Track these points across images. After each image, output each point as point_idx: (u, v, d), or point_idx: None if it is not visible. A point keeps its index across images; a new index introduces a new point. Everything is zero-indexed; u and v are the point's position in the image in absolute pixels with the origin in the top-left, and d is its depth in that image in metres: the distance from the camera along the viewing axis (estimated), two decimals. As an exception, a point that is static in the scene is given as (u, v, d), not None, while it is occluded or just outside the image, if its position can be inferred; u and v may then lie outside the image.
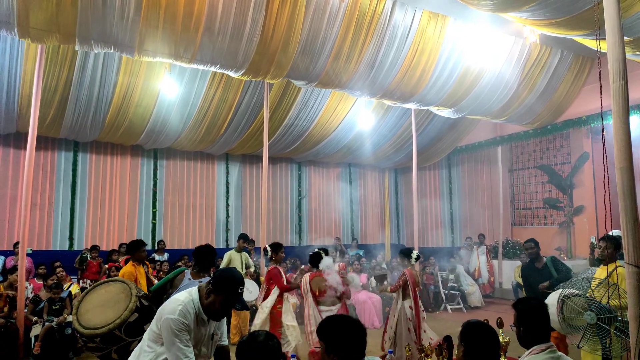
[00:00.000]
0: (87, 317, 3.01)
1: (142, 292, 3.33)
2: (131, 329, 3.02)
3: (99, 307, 3.07)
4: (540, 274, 5.57)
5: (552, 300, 3.44)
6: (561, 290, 3.46)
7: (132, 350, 2.59)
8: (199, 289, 2.47)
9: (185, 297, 2.44)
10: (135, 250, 5.28)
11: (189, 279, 3.71)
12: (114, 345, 3.02)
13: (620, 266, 3.42)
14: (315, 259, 5.26)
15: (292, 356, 3.02)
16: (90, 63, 7.51)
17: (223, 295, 2.40)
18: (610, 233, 3.86)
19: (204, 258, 3.85)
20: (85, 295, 3.17)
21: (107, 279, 3.50)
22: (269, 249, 5.87)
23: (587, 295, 3.24)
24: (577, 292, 3.24)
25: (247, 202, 11.69)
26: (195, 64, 6.20)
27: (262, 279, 8.29)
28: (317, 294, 5.07)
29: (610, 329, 3.01)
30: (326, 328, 2.22)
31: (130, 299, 3.08)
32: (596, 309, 3.02)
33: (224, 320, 2.72)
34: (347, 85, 7.38)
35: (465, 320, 2.40)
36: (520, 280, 7.98)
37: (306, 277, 5.25)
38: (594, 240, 6.84)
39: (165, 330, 2.34)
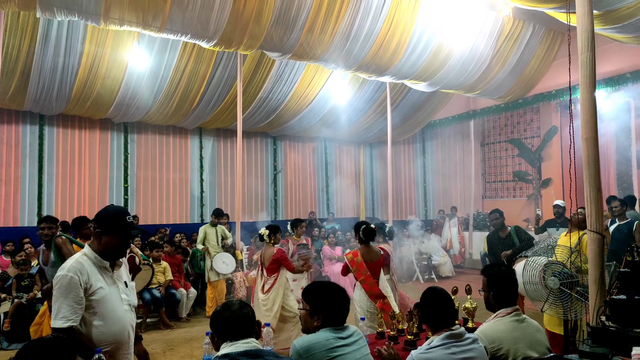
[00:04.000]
0: None
1: None
2: None
3: None
4: (504, 242, 5.97)
5: (518, 269, 3.57)
6: (526, 260, 3.59)
7: None
8: (90, 244, 2.46)
9: (78, 254, 2.43)
10: (79, 227, 4.95)
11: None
12: None
13: (582, 234, 3.58)
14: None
15: (267, 325, 3.06)
16: (54, 31, 7.16)
17: (114, 231, 2.41)
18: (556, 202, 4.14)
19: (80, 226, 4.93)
20: None
21: None
22: (266, 233, 5.64)
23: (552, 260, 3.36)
24: (540, 260, 3.36)
25: (221, 177, 11.57)
26: (165, 33, 5.99)
27: (238, 252, 8.34)
28: None
29: (572, 293, 3.15)
30: (312, 291, 2.35)
31: None
32: (559, 275, 3.14)
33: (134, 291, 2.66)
34: (322, 58, 7.28)
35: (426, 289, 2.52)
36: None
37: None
38: (539, 212, 7.81)
39: (55, 287, 2.31)
